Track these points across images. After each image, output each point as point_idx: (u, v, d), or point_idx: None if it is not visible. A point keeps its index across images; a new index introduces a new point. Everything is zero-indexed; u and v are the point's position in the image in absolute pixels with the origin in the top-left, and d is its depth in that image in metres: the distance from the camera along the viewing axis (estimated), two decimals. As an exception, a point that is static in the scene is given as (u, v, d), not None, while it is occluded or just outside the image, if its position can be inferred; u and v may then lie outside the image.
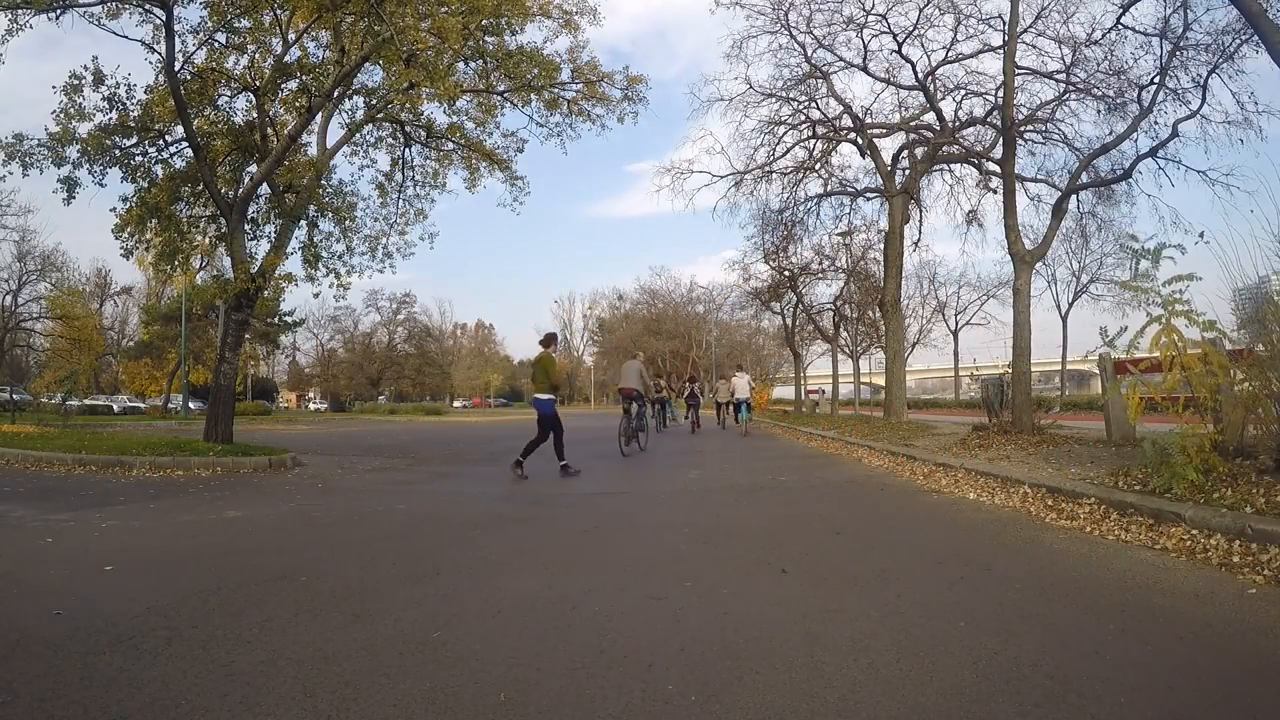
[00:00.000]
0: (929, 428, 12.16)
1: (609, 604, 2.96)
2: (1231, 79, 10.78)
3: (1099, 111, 12.90)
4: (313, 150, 12.21)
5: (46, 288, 34.40)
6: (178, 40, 9.62)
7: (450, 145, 13.60)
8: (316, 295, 13.05)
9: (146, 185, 10.65)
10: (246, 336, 22.18)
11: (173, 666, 2.25)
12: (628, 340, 60.94)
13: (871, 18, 14.46)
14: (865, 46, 15.04)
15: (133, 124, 10.18)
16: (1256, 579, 3.01)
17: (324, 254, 12.13)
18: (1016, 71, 11.15)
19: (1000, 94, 12.27)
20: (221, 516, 5.35)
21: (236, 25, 10.23)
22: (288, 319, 41.75)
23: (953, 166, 17.16)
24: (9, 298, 32.48)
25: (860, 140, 16.27)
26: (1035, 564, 3.50)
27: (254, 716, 1.91)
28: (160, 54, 9.69)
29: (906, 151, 16.84)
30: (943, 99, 15.32)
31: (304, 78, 10.80)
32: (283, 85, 11.02)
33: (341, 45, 10.02)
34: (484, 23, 10.88)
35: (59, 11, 9.01)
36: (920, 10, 14.03)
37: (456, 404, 65.14)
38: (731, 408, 17.60)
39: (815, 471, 8.30)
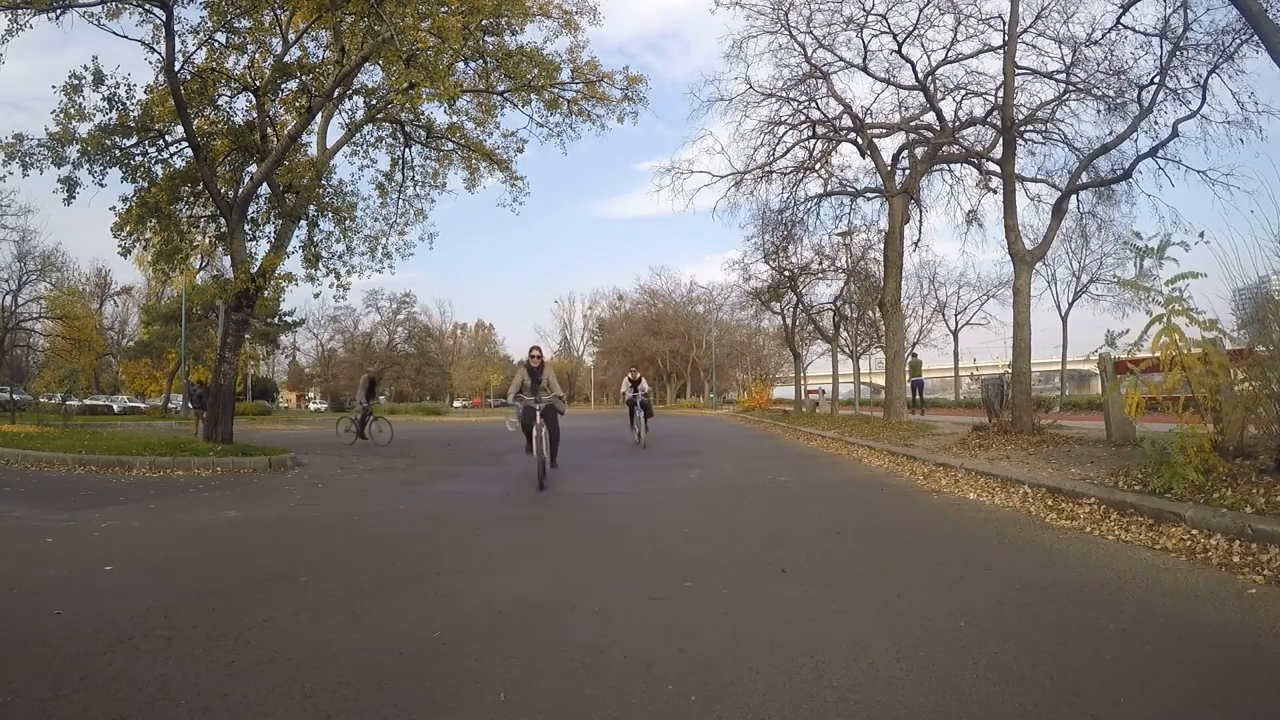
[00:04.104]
0: (929, 428, 12.16)
1: (609, 604, 2.96)
2: (1231, 79, 10.77)
3: (1099, 111, 12.88)
4: (313, 150, 12.21)
5: (46, 288, 34.43)
6: (178, 40, 9.63)
7: (450, 145, 13.61)
8: (317, 295, 13.08)
9: (146, 185, 10.65)
10: (246, 336, 22.17)
11: (173, 666, 2.25)
12: (628, 340, 61.06)
13: (871, 18, 14.45)
14: (865, 46, 15.03)
15: (133, 124, 10.18)
16: (1256, 579, 3.01)
17: (324, 254, 12.14)
18: (1016, 71, 11.14)
19: (1000, 94, 12.25)
20: (221, 516, 5.35)
21: (236, 25, 10.24)
22: (288, 319, 41.80)
23: (953, 166, 17.14)
24: (9, 298, 32.47)
25: (860, 140, 16.25)
26: (1035, 564, 3.50)
27: (254, 716, 1.91)
28: (160, 54, 9.70)
29: (906, 151, 16.82)
30: (943, 99, 15.31)
31: (304, 78, 10.81)
32: (283, 85, 11.02)
33: (341, 45, 10.02)
34: (484, 23, 10.89)
35: (59, 11, 9.01)
36: (920, 10, 14.02)
37: (456, 404, 65.12)
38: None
39: (815, 471, 8.30)
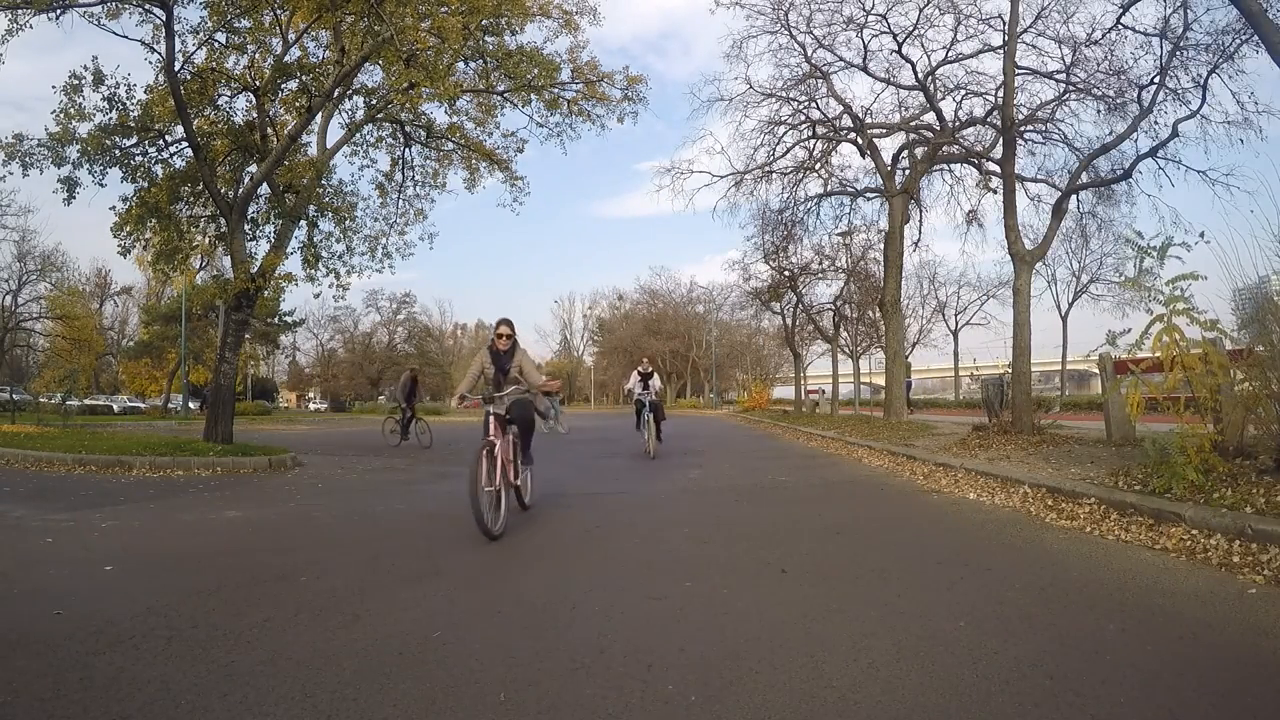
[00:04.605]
0: (929, 428, 12.16)
1: (609, 604, 2.96)
2: (1231, 79, 10.78)
3: (1099, 111, 12.90)
4: (313, 150, 12.21)
5: (46, 288, 34.43)
6: (178, 40, 9.63)
7: (450, 145, 13.61)
8: (317, 295, 13.09)
9: (146, 185, 10.65)
10: (246, 336, 22.16)
11: (173, 666, 2.25)
12: (628, 340, 61.06)
13: (871, 18, 14.46)
14: (865, 46, 15.04)
15: (133, 124, 10.19)
16: (1256, 579, 3.01)
17: (324, 254, 12.15)
18: (1016, 71, 11.14)
19: (1000, 94, 12.26)
20: (221, 516, 5.35)
21: (236, 25, 10.24)
22: (288, 319, 41.78)
23: (953, 166, 17.15)
24: (9, 298, 32.48)
25: (860, 140, 16.26)
26: (1035, 564, 3.50)
27: (254, 716, 1.91)
28: (160, 54, 9.70)
29: (906, 151, 16.83)
30: (943, 99, 15.31)
31: (304, 78, 10.81)
32: (283, 85, 11.02)
33: (341, 45, 10.02)
34: (484, 23, 10.89)
35: (59, 11, 9.01)
36: (920, 10, 14.03)
37: (452, 403, 64.92)
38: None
39: (815, 471, 8.30)
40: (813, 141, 17.58)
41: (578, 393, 70.51)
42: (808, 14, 14.83)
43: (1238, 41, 10.01)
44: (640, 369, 11.25)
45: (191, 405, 31.99)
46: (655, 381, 11.04)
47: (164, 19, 9.32)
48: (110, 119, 9.95)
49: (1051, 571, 3.33)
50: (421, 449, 12.37)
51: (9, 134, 10.08)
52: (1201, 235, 4.95)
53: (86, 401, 29.76)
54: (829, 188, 18.51)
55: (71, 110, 9.66)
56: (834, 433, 13.53)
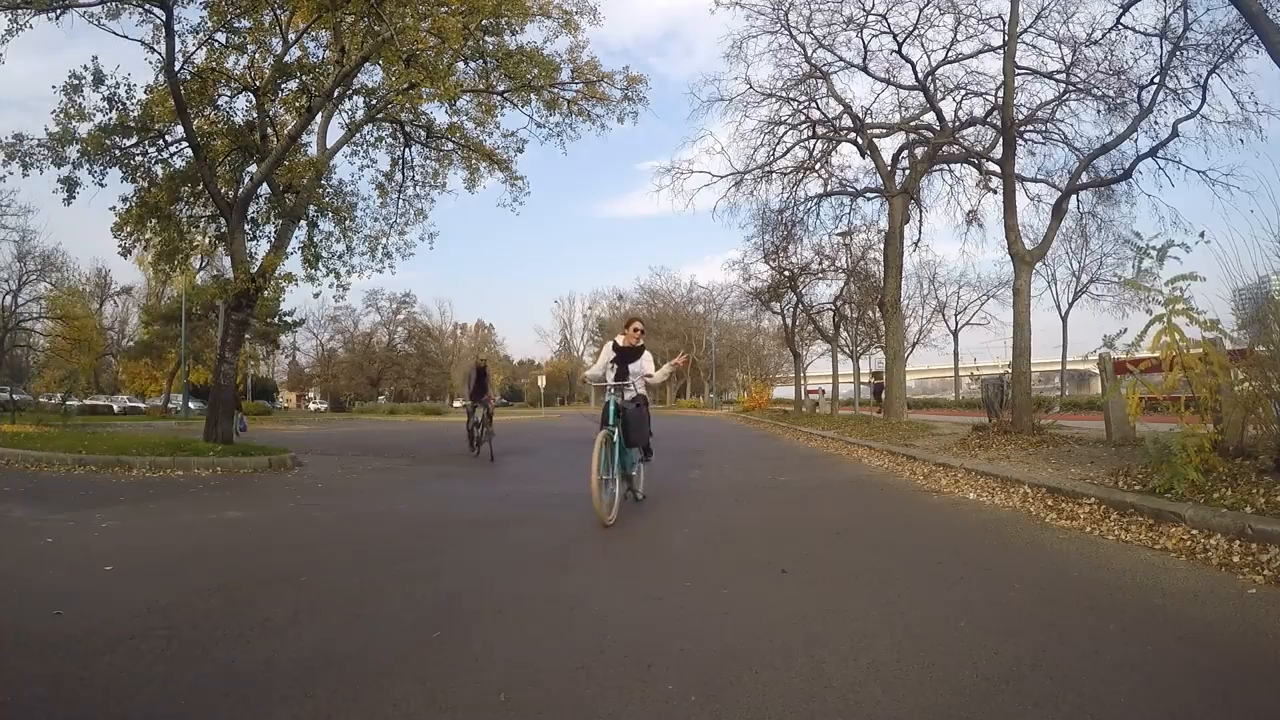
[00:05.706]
0: (929, 428, 12.16)
1: (609, 604, 2.96)
2: (1231, 79, 10.79)
3: (1099, 111, 12.91)
4: (313, 150, 12.21)
5: (46, 288, 34.48)
6: (178, 40, 9.62)
7: (450, 145, 13.61)
8: (316, 295, 13.11)
9: (146, 185, 10.65)
10: (246, 336, 22.17)
11: (173, 666, 2.24)
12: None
13: (871, 18, 14.48)
14: (865, 46, 15.05)
15: (133, 124, 10.18)
16: (1256, 579, 3.01)
17: (324, 254, 12.14)
18: (1016, 71, 11.15)
19: (1000, 94, 12.27)
20: (221, 517, 5.35)
21: (236, 25, 10.23)
22: (288, 319, 41.77)
23: (953, 166, 17.15)
24: (9, 298, 32.51)
25: (860, 140, 16.27)
26: (1035, 564, 3.50)
27: (254, 716, 1.91)
28: (160, 54, 9.69)
29: (906, 151, 16.84)
30: (943, 99, 15.33)
31: (304, 78, 10.81)
32: (283, 85, 11.02)
33: (341, 45, 10.02)
34: (484, 23, 10.88)
35: (59, 11, 9.01)
36: (920, 10, 14.05)
37: (457, 404, 65.03)
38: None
39: (815, 471, 8.30)
40: (813, 141, 17.59)
41: (577, 392, 70.47)
42: (808, 14, 14.86)
43: (1238, 41, 10.01)
44: (619, 340, 5.60)
45: (192, 405, 31.98)
46: (644, 363, 5.53)
47: (164, 19, 9.31)
48: (110, 119, 9.94)
49: (1051, 571, 3.33)
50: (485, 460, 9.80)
51: (9, 134, 10.08)
52: (1201, 235, 4.95)
53: (86, 401, 29.75)
54: (829, 188, 18.52)
55: (71, 110, 9.65)
56: (834, 433, 13.53)
